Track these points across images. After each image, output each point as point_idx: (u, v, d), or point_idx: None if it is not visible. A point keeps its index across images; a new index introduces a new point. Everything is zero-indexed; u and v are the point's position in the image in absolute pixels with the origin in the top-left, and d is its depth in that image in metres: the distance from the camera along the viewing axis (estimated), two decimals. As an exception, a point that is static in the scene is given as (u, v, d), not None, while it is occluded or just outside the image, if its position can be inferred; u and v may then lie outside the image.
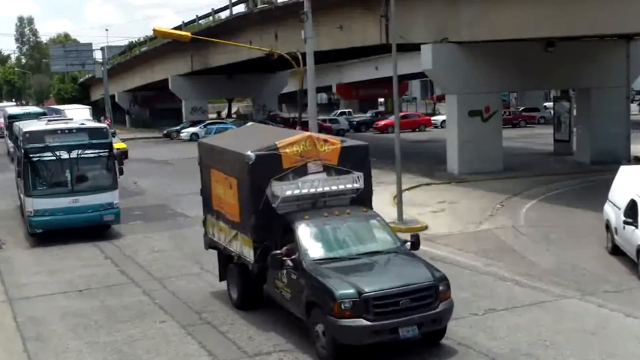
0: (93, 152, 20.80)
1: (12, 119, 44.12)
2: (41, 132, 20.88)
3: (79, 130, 21.28)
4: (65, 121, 23.96)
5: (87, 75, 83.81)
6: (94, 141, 20.81)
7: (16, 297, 15.73)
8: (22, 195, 22.00)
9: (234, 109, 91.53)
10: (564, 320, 12.78)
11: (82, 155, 20.56)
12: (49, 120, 23.71)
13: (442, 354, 11.41)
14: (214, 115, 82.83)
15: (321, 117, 57.36)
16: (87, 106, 57.12)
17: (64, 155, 20.38)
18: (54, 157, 20.37)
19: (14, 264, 18.76)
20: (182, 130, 59.56)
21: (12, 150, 39.66)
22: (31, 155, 20.29)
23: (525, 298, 14.06)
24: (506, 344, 11.69)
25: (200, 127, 58.69)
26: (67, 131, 20.96)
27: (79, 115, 50.63)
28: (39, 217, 20.35)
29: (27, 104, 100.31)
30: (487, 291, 14.58)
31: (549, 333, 12.06)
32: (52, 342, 12.74)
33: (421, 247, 18.34)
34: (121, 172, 21.14)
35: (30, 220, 20.49)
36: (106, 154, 20.94)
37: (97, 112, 75.30)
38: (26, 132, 20.82)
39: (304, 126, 32.76)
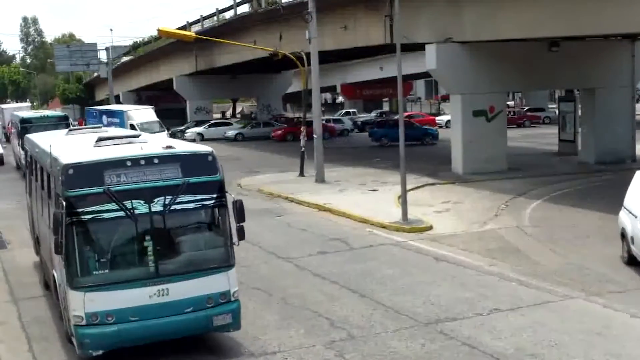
0: (193, 200, 11.41)
1: (25, 124, 37.40)
2: (97, 166, 11.12)
3: (166, 159, 11.45)
4: (128, 139, 12.76)
5: (94, 74, 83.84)
6: (195, 180, 11.37)
7: (21, 296, 15.73)
8: (59, 278, 12.21)
9: (238, 109, 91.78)
10: (569, 320, 12.76)
11: (174, 208, 11.24)
12: (99, 139, 12.59)
13: (446, 353, 11.40)
14: (219, 115, 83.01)
15: (326, 117, 57.57)
16: (150, 106, 49.29)
17: (141, 208, 11.06)
18: (123, 213, 10.97)
19: (18, 263, 18.72)
20: (187, 130, 59.62)
21: (24, 161, 33.85)
22: (79, 211, 10.85)
23: (530, 298, 14.05)
24: (511, 344, 11.68)
25: (205, 127, 58.81)
26: (143, 161, 11.25)
27: (143, 117, 44.00)
28: (95, 328, 10.93)
29: (32, 104, 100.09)
30: (491, 291, 14.57)
31: (554, 333, 12.04)
32: (57, 342, 12.74)
33: (426, 247, 18.55)
34: (242, 235, 11.79)
35: (81, 333, 10.99)
36: (215, 202, 11.59)
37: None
38: (69, 167, 11.03)
39: (309, 126, 32.79)
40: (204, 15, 57.94)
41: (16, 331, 13.56)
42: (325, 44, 34.96)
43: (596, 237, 18.84)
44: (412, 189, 24.89)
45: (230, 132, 57.43)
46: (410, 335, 12.15)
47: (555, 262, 16.85)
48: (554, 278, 15.39)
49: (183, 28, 54.35)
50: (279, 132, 54.16)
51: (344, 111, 72.84)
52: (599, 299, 13.84)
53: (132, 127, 42.25)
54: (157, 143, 12.68)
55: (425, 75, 62.73)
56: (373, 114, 69.36)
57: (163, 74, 66.65)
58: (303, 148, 31.82)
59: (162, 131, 43.99)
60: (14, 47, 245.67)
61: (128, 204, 10.97)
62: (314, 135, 30.57)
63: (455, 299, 14.07)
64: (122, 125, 42.96)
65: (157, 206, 11.13)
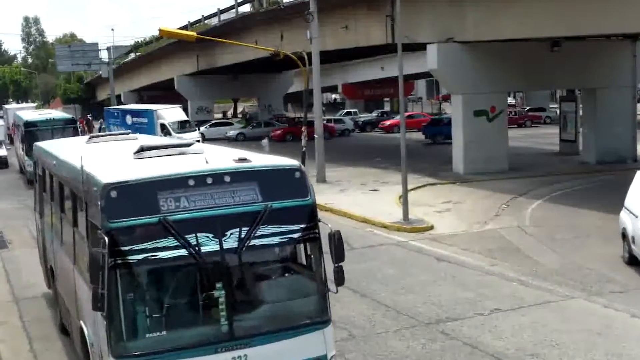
0: (277, 232, 8.46)
1: (29, 127, 34.10)
2: (149, 186, 8.15)
3: (242, 176, 8.51)
4: (178, 148, 9.78)
5: (98, 73, 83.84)
6: (279, 204, 8.45)
7: (22, 296, 15.74)
8: (91, 336, 9.20)
9: (239, 109, 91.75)
10: (570, 320, 12.77)
11: (253, 244, 8.32)
12: (141, 149, 9.74)
13: (447, 354, 11.41)
14: (220, 115, 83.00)
15: (327, 117, 57.54)
16: (178, 105, 47.46)
17: (209, 244, 8.15)
18: (185, 252, 8.05)
19: (20, 263, 18.70)
20: (188, 130, 59.61)
21: (29, 168, 29.05)
22: (127, 250, 7.89)
23: (531, 298, 14.05)
24: (512, 344, 11.68)
25: (206, 127, 58.81)
26: (211, 180, 8.31)
27: (174, 116, 43.14)
28: None
29: (37, 105, 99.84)
30: (492, 291, 14.57)
31: (555, 333, 12.05)
32: (58, 342, 12.73)
33: (427, 247, 18.55)
34: (341, 279, 8.77)
35: None
36: (306, 234, 8.63)
37: (102, 112, 75.51)
38: (111, 187, 7.99)
39: (310, 126, 32.79)
40: (205, 15, 58.06)
41: (17, 331, 13.56)
42: (327, 44, 34.97)
43: (597, 237, 18.83)
44: (413, 189, 24.88)
45: (232, 132, 57.43)
46: (411, 335, 12.16)
47: (556, 262, 16.85)
48: (554, 278, 15.40)
49: (184, 28, 54.38)
50: (278, 132, 54.14)
51: (345, 111, 72.89)
52: (599, 299, 13.84)
53: (163, 126, 41.74)
54: (222, 154, 9.82)
55: (426, 75, 62.78)
56: (374, 113, 69.37)
57: (164, 74, 66.70)
58: (304, 148, 31.81)
59: (193, 130, 43.67)
60: (16, 47, 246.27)
61: (191, 238, 7.96)
62: (315, 135, 30.57)
63: (456, 298, 14.08)
64: (151, 125, 41.72)
65: (230, 241, 8.12)
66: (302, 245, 8.77)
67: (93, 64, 68.17)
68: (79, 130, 36.25)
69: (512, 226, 20.90)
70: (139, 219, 7.86)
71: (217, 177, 8.26)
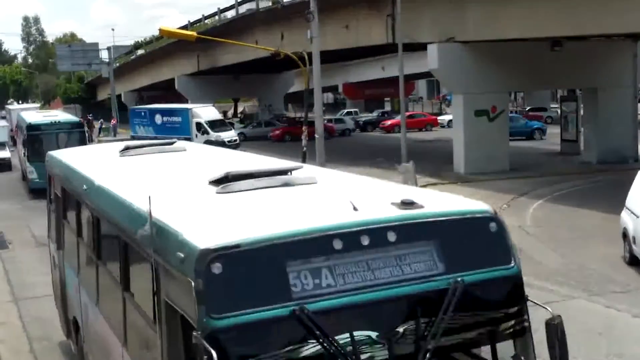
0: (472, 323, 5.41)
1: (32, 130, 31.52)
2: (273, 252, 4.66)
3: (414, 231, 5.08)
4: (279, 176, 6.42)
5: (98, 73, 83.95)
6: (473, 277, 5.22)
7: (22, 296, 15.70)
8: None
9: (239, 109, 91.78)
10: (571, 320, 12.65)
11: (442, 344, 5.01)
12: (226, 177, 6.32)
13: (448, 354, 11.35)
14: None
15: (328, 116, 57.54)
16: (210, 104, 47.34)
17: (374, 351, 4.76)
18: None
19: (20, 263, 18.71)
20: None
21: (31, 175, 29.86)
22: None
23: (532, 298, 13.98)
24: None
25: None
26: (367, 239, 4.85)
27: (209, 114, 43.35)
28: None
29: (41, 105, 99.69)
30: (493, 291, 14.51)
31: (556, 334, 12.00)
32: (58, 342, 12.71)
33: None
34: None
35: None
36: (511, 324, 6.18)
37: (103, 111, 75.57)
38: (213, 256, 4.52)
39: (310, 126, 32.75)
40: (205, 15, 58.08)
41: (17, 331, 13.54)
42: (327, 44, 34.92)
43: (598, 237, 18.80)
44: (413, 189, 24.77)
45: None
46: (412, 336, 12.09)
47: (557, 262, 16.83)
48: (555, 278, 15.36)
49: (185, 28, 54.38)
50: (277, 132, 54.12)
51: (345, 111, 72.94)
52: (600, 299, 13.81)
53: (199, 125, 41.49)
54: (353, 185, 6.75)
55: (427, 75, 62.69)
56: (375, 113, 69.43)
57: (165, 74, 66.65)
58: (305, 148, 31.76)
59: (229, 129, 43.53)
60: (16, 46, 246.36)
61: (344, 340, 4.70)
62: (316, 135, 30.51)
63: (457, 299, 14.01)
64: (186, 125, 41.30)
65: (405, 343, 4.96)
66: (504, 340, 6.00)
67: (93, 63, 68.27)
68: (87, 135, 34.56)
69: (513, 226, 20.83)
70: (261, 312, 4.59)
71: (377, 235, 4.96)
